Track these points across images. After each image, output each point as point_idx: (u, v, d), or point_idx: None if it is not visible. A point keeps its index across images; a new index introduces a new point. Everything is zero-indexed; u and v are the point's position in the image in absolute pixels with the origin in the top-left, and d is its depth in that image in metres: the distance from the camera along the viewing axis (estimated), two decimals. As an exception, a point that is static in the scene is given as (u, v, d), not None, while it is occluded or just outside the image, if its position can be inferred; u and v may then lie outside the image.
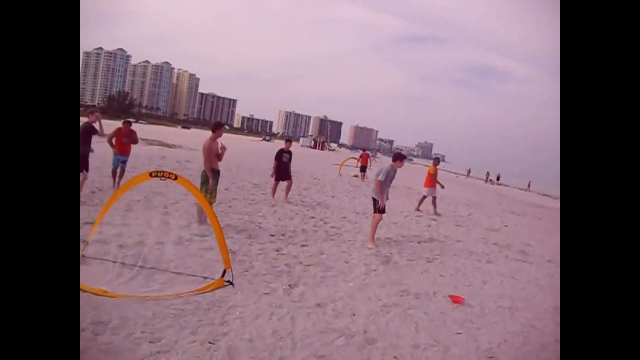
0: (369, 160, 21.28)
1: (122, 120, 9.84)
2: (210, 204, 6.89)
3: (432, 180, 12.21)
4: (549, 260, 8.25)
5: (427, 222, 10.46)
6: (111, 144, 9.36)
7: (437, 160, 13.47)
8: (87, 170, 7.49)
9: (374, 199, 7.25)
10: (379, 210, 7.12)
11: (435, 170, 12.50)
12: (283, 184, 10.70)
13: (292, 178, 10.98)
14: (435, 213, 11.96)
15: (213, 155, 6.76)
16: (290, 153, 10.90)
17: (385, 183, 7.09)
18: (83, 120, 7.33)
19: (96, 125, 7.72)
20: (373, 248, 6.95)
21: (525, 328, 4.49)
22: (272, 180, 10.67)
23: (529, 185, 53.11)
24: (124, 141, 9.47)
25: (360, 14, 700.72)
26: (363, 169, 20.43)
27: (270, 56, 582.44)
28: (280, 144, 18.30)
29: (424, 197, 12.33)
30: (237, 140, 57.69)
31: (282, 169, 10.56)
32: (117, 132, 9.48)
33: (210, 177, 6.67)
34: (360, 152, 23.99)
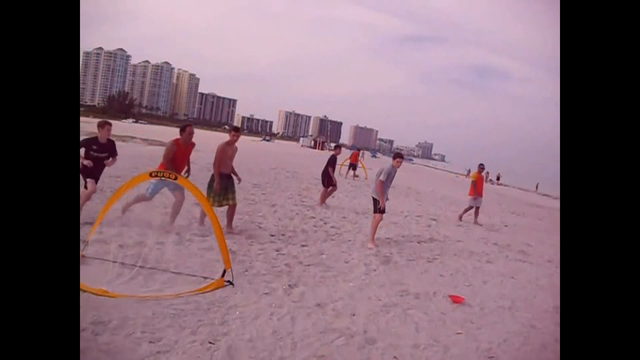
0: (358, 158, 21.57)
1: (181, 126, 6.49)
2: (233, 205, 6.66)
3: (477, 188, 11.45)
4: (549, 260, 8.26)
5: (427, 222, 10.47)
6: (167, 161, 6.11)
7: (481, 167, 11.92)
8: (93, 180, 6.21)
9: (374, 199, 7.25)
10: (380, 210, 7.13)
11: (478, 177, 11.65)
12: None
13: (293, 178, 11.07)
14: (477, 222, 11.40)
15: (225, 158, 6.56)
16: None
17: (386, 183, 7.11)
18: (87, 122, 7.21)
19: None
20: (373, 248, 6.95)
21: (525, 328, 4.50)
22: (323, 186, 10.98)
23: (537, 187, 52.96)
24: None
25: (360, 14, 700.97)
26: (352, 166, 20.59)
27: (270, 56, 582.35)
28: (280, 144, 18.28)
29: (470, 207, 11.56)
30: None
31: (330, 175, 10.91)
32: (176, 145, 6.24)
33: (217, 181, 6.48)
34: (358, 151, 24.39)
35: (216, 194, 6.52)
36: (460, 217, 11.60)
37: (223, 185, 6.60)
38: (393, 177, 7.24)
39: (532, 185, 54.17)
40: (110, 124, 6.49)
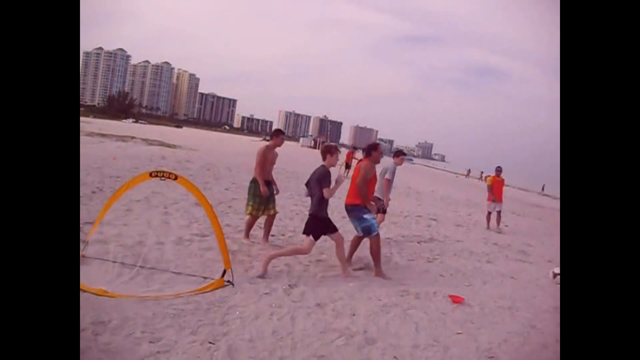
0: (351, 157, 21.50)
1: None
2: (273, 215, 6.32)
3: (494, 192, 10.99)
4: (549, 260, 8.25)
5: (427, 222, 10.47)
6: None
7: (499, 169, 11.37)
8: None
9: (376, 198, 7.26)
10: (382, 210, 7.14)
11: (494, 181, 11.16)
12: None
13: (293, 178, 11.03)
14: (498, 228, 10.88)
15: (266, 163, 6.21)
16: None
17: (391, 182, 7.21)
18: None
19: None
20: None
21: (525, 328, 4.49)
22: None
23: (542, 188, 52.91)
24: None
25: (360, 14, 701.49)
26: (347, 165, 20.54)
27: (271, 56, 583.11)
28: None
29: (490, 213, 11.08)
30: (237, 141, 57.72)
31: None
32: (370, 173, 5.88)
33: (262, 188, 6.07)
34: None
35: (261, 202, 6.16)
36: (488, 226, 11.07)
37: (270, 192, 6.24)
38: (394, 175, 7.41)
39: (533, 185, 54.28)
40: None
